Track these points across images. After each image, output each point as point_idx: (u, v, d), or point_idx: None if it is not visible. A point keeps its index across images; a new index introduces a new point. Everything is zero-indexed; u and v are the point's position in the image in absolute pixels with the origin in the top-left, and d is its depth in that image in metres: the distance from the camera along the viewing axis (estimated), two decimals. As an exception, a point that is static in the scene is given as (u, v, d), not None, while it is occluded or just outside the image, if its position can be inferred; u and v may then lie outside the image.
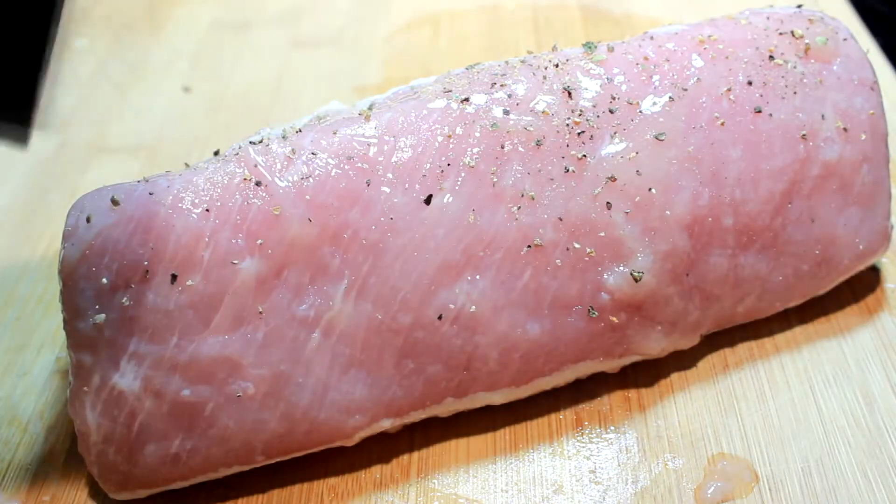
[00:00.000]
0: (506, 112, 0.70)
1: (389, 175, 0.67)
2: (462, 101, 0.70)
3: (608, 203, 0.69)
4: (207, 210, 0.65)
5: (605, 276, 0.69)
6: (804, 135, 0.73)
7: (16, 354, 0.82)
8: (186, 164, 0.72)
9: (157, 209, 0.65)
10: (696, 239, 0.71)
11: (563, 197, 0.68)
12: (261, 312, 0.65)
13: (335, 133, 0.69)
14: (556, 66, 0.73)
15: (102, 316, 0.63)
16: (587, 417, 0.74)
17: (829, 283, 0.77)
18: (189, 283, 0.64)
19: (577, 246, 0.68)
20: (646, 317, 0.70)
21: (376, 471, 0.71)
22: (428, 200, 0.67)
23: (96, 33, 1.26)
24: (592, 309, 0.69)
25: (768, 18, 0.78)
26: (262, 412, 0.66)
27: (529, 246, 0.68)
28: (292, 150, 0.68)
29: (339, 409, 0.67)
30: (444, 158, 0.68)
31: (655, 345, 0.72)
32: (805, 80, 0.74)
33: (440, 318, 0.67)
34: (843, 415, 0.72)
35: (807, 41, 0.76)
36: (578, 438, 0.72)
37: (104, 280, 0.64)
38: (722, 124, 0.72)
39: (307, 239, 0.65)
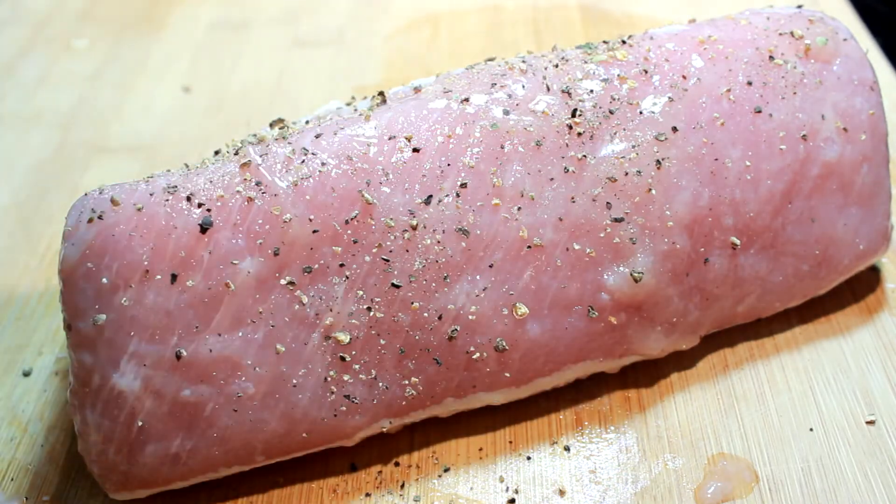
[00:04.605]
0: (506, 112, 0.70)
1: (389, 175, 0.67)
2: (462, 101, 0.70)
3: (608, 203, 0.69)
4: (208, 210, 0.65)
5: (605, 277, 0.69)
6: (804, 135, 0.73)
7: (16, 354, 0.82)
8: (186, 165, 0.72)
9: (157, 209, 0.65)
10: (696, 239, 0.71)
11: (563, 197, 0.69)
12: (261, 312, 0.65)
13: (335, 133, 0.69)
14: (556, 66, 0.73)
15: (102, 316, 0.63)
16: (587, 417, 0.74)
17: (829, 283, 0.77)
18: (189, 283, 0.64)
19: (577, 246, 0.68)
20: (646, 317, 0.70)
21: (376, 471, 0.71)
22: (428, 200, 0.67)
23: (96, 33, 1.26)
24: (592, 309, 0.69)
25: (768, 19, 0.78)
26: (262, 412, 0.66)
27: (529, 246, 0.68)
28: (292, 150, 0.68)
29: (338, 409, 0.67)
30: (444, 158, 0.68)
31: (655, 345, 0.72)
32: (805, 81, 0.75)
33: (440, 318, 0.67)
34: (843, 415, 0.72)
35: (807, 41, 0.76)
36: (578, 438, 0.72)
37: (104, 280, 0.64)
38: (722, 124, 0.72)
39: (307, 239, 0.66)
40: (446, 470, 0.71)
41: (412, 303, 0.66)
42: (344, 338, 0.66)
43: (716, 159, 0.71)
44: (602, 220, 0.69)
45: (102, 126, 1.10)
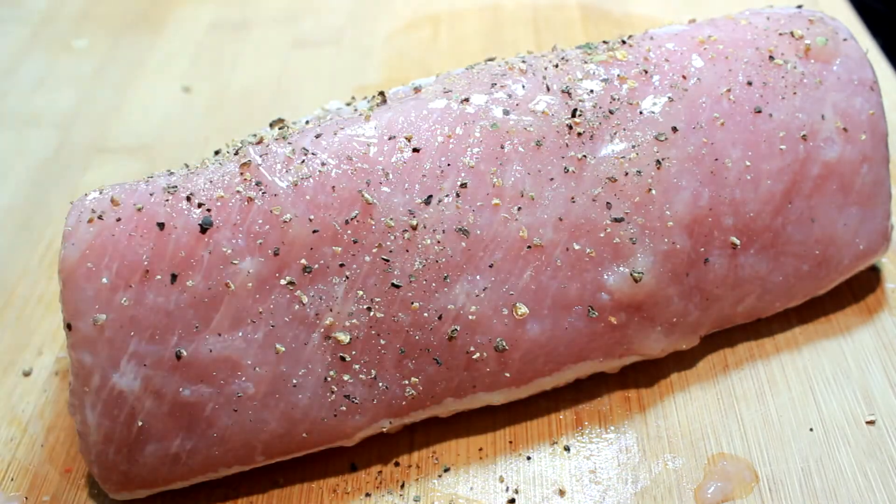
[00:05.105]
0: (506, 112, 0.70)
1: (389, 175, 0.67)
2: (462, 101, 0.70)
3: (608, 203, 0.69)
4: (208, 210, 0.65)
5: (605, 277, 0.69)
6: (804, 135, 0.73)
7: (16, 354, 0.82)
8: (186, 165, 0.72)
9: (157, 209, 0.65)
10: (696, 239, 0.71)
11: (563, 197, 0.69)
12: (261, 312, 0.65)
13: (335, 133, 0.69)
14: (556, 66, 0.73)
15: (102, 316, 0.63)
16: (587, 417, 0.74)
17: (829, 283, 0.77)
18: (189, 283, 0.64)
19: (577, 246, 0.68)
20: (646, 317, 0.70)
21: (376, 471, 0.71)
22: (427, 200, 0.67)
23: (96, 33, 1.26)
24: (592, 309, 0.69)
25: (768, 19, 0.78)
26: (262, 412, 0.66)
27: (529, 246, 0.68)
28: (292, 150, 0.68)
29: (338, 409, 0.67)
30: (444, 158, 0.68)
31: (655, 345, 0.72)
32: (805, 81, 0.74)
33: (440, 318, 0.67)
34: (843, 415, 0.72)
35: (807, 41, 0.76)
36: (578, 438, 0.72)
37: (104, 280, 0.64)
38: (722, 124, 0.72)
39: (307, 239, 0.66)
40: (446, 470, 0.71)
41: (412, 303, 0.66)
42: (344, 338, 0.66)
43: (716, 159, 0.71)
44: (602, 220, 0.69)
45: (102, 126, 1.10)
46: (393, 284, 0.66)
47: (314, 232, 0.66)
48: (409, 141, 0.68)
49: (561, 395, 0.75)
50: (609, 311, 0.69)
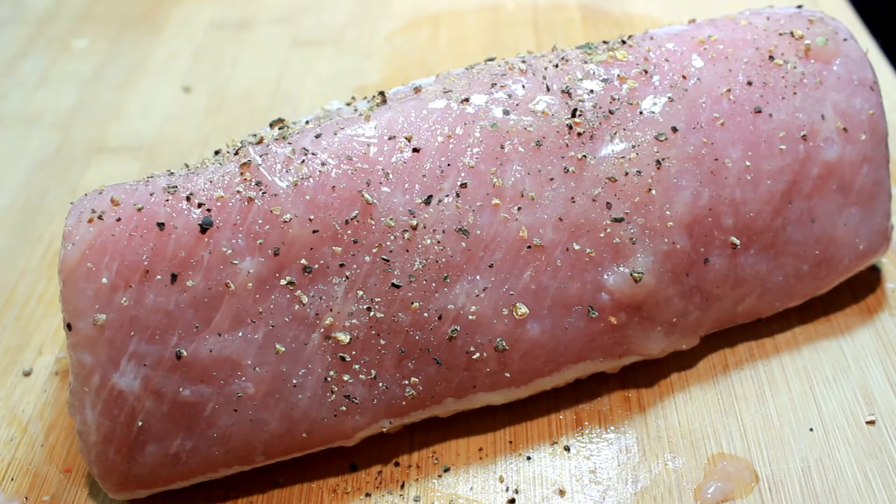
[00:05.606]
0: (506, 112, 0.70)
1: (389, 175, 0.67)
2: (462, 101, 0.70)
3: (608, 203, 0.69)
4: (208, 210, 0.65)
5: (605, 277, 0.69)
6: (804, 135, 0.73)
7: (16, 354, 0.82)
8: (186, 165, 0.72)
9: (157, 209, 0.65)
10: (696, 239, 0.71)
11: (563, 197, 0.69)
12: (261, 312, 0.65)
13: (335, 133, 0.69)
14: (556, 66, 0.73)
15: (102, 316, 0.63)
16: (587, 417, 0.74)
17: (829, 283, 0.77)
18: (189, 283, 0.64)
19: (576, 246, 0.68)
20: (646, 317, 0.70)
21: (376, 471, 0.71)
22: (427, 201, 0.67)
23: (96, 33, 1.26)
24: (592, 309, 0.69)
25: (768, 19, 0.78)
26: (262, 412, 0.66)
27: (529, 246, 0.68)
28: (292, 150, 0.68)
29: (338, 409, 0.67)
30: (443, 158, 0.68)
31: (655, 345, 0.72)
32: (805, 81, 0.75)
33: (440, 318, 0.67)
34: (843, 415, 0.72)
35: (807, 41, 0.76)
36: (578, 438, 0.72)
37: (104, 280, 0.64)
38: (722, 124, 0.72)
39: (307, 239, 0.66)
40: (446, 470, 0.71)
41: (412, 303, 0.66)
42: (344, 338, 0.66)
43: (716, 159, 0.71)
44: (602, 220, 0.69)
45: (102, 126, 1.10)
46: (393, 284, 0.66)
47: (314, 232, 0.66)
48: (409, 141, 0.68)
49: (561, 395, 0.75)
50: (609, 311, 0.69)
